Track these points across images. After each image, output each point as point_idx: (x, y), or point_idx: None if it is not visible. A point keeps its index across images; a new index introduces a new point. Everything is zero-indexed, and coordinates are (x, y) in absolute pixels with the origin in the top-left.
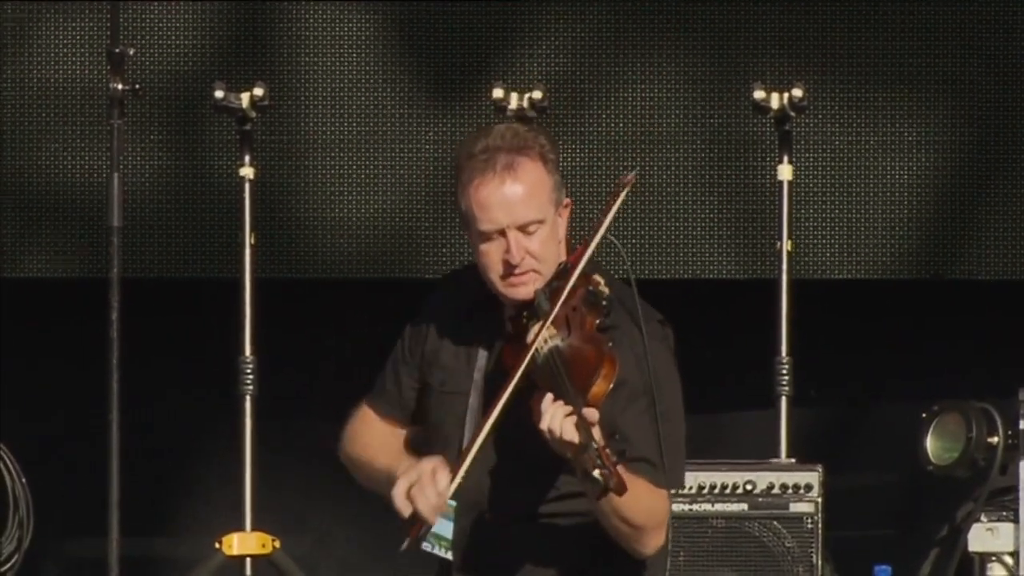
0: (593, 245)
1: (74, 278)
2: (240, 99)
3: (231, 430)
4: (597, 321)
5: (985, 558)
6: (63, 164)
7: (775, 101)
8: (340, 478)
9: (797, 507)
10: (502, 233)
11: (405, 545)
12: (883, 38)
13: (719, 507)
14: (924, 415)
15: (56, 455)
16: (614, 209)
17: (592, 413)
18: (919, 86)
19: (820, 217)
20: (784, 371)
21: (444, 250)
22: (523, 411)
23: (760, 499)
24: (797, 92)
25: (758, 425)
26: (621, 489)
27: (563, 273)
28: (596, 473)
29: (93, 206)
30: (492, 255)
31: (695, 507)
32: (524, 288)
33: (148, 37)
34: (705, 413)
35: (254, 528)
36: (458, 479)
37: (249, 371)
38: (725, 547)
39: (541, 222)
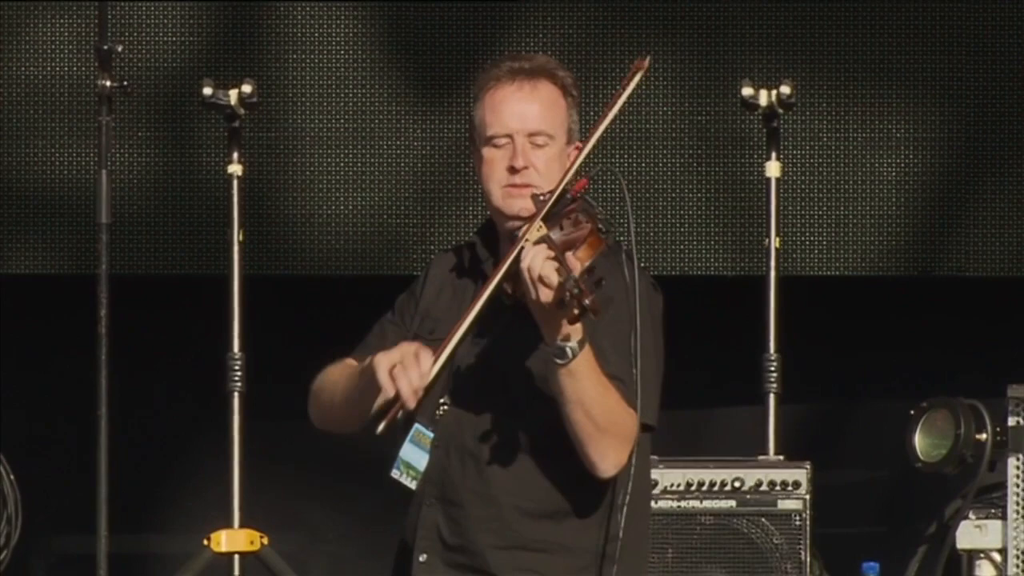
0: (600, 129)
1: (62, 275)
2: (228, 96)
3: (219, 427)
4: (595, 226)
5: (973, 555)
6: (51, 161)
7: (763, 98)
8: (329, 475)
9: (785, 504)
10: (511, 140)
11: (381, 427)
12: (871, 35)
13: (707, 504)
14: (912, 412)
15: (44, 452)
16: (626, 94)
17: (573, 261)
18: (907, 83)
19: (808, 214)
20: (772, 368)
21: (432, 246)
22: (504, 336)
23: (748, 496)
24: (785, 89)
25: (746, 422)
26: (596, 309)
27: (563, 200)
28: (570, 302)
29: (81, 203)
30: (496, 161)
31: (683, 504)
32: (522, 200)
33: (136, 34)
34: (693, 410)
35: (242, 525)
36: (439, 363)
37: (237, 368)
38: (713, 544)
39: (551, 137)
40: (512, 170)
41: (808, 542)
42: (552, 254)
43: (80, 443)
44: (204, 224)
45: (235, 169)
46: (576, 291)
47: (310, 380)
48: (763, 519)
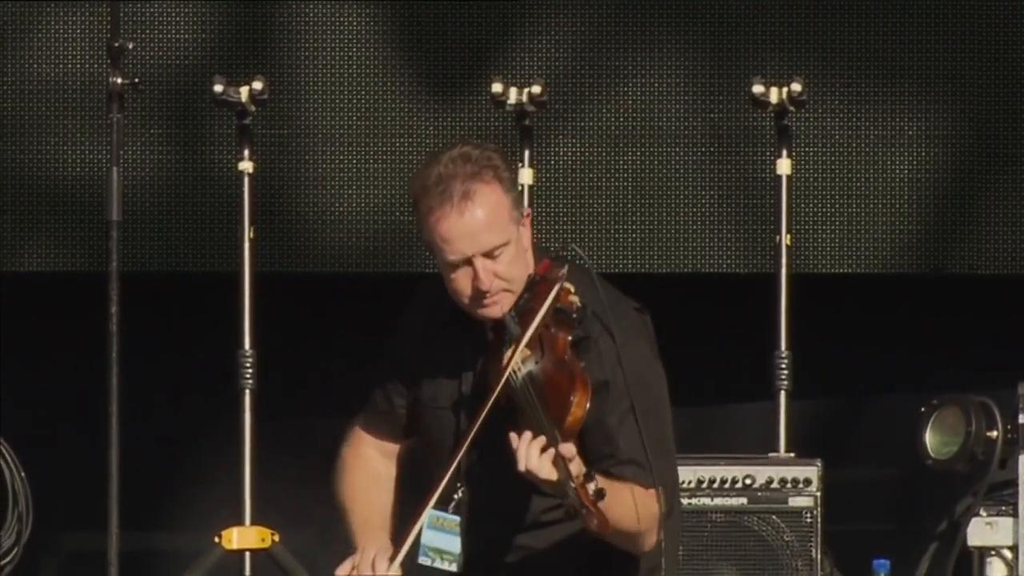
0: (529, 333)
1: (73, 272)
2: (239, 93)
3: (231, 424)
4: (569, 338)
5: (984, 552)
6: (62, 158)
7: (774, 95)
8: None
9: (796, 501)
10: (468, 262)
11: None
12: (883, 32)
13: (718, 501)
14: (923, 409)
15: (55, 449)
16: (547, 303)
17: (568, 449)
18: (919, 80)
19: (819, 211)
20: (783, 365)
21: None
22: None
23: (759, 493)
24: (796, 86)
25: (757, 419)
26: (603, 528)
27: (532, 286)
28: (572, 500)
29: (92, 200)
30: (461, 282)
31: (694, 501)
32: (497, 307)
33: (148, 31)
34: (704, 407)
35: (253, 522)
36: (398, 562)
37: (248, 365)
38: (724, 541)
39: (506, 244)
40: (479, 290)
41: (819, 539)
42: (544, 444)
43: (91, 440)
44: (215, 221)
45: (246, 166)
46: (580, 505)
47: (321, 377)
48: (774, 516)
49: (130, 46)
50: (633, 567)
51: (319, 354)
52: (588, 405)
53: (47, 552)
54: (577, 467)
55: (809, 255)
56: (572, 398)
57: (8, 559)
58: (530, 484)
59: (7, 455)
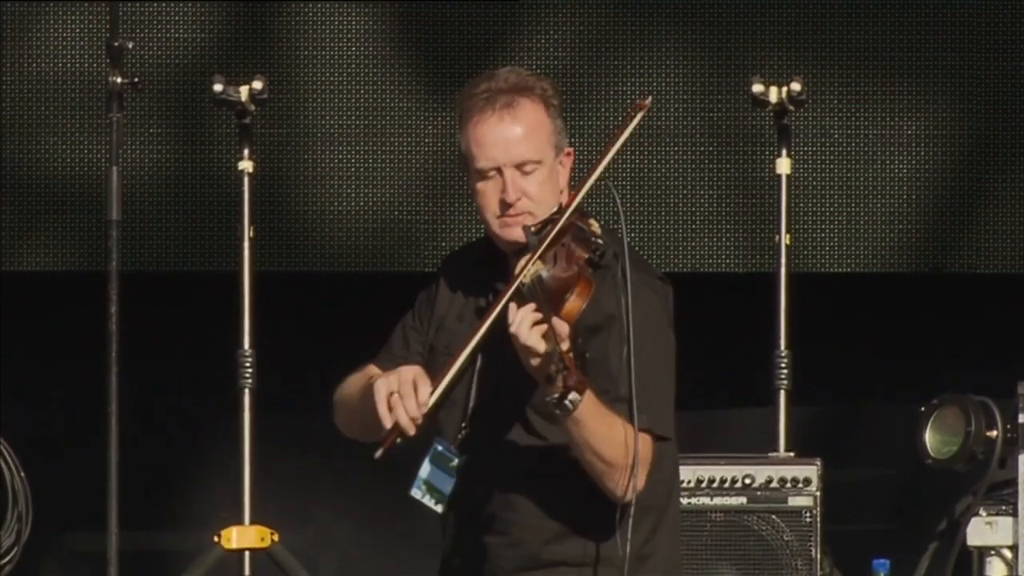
0: (593, 177)
1: (73, 271)
2: (239, 92)
3: (230, 423)
4: (586, 256)
5: (984, 552)
6: (62, 157)
7: (774, 95)
8: (341, 472)
9: (796, 501)
10: (499, 172)
11: (379, 453)
12: (882, 31)
13: (718, 501)
14: (923, 409)
15: (55, 449)
16: (624, 135)
17: (562, 325)
18: (918, 79)
19: (819, 211)
20: (783, 365)
21: (443, 243)
22: (517, 360)
23: (759, 493)
24: (796, 86)
25: (757, 419)
26: (581, 387)
27: (556, 214)
28: (557, 377)
29: (92, 199)
30: (488, 194)
31: (693, 501)
32: (517, 229)
33: (147, 30)
34: (704, 407)
35: (253, 522)
36: (438, 393)
37: (248, 364)
38: (724, 541)
39: (539, 163)
40: (504, 203)
41: (818, 539)
42: (539, 317)
43: (90, 440)
44: (215, 220)
45: (246, 165)
46: (562, 368)
47: (320, 376)
48: (774, 516)
49: (130, 45)
50: (618, 513)
51: (319, 353)
52: (587, 303)
53: (47, 552)
54: (567, 344)
55: (809, 254)
56: (574, 288)
57: (8, 559)
58: (525, 428)
59: (7, 455)
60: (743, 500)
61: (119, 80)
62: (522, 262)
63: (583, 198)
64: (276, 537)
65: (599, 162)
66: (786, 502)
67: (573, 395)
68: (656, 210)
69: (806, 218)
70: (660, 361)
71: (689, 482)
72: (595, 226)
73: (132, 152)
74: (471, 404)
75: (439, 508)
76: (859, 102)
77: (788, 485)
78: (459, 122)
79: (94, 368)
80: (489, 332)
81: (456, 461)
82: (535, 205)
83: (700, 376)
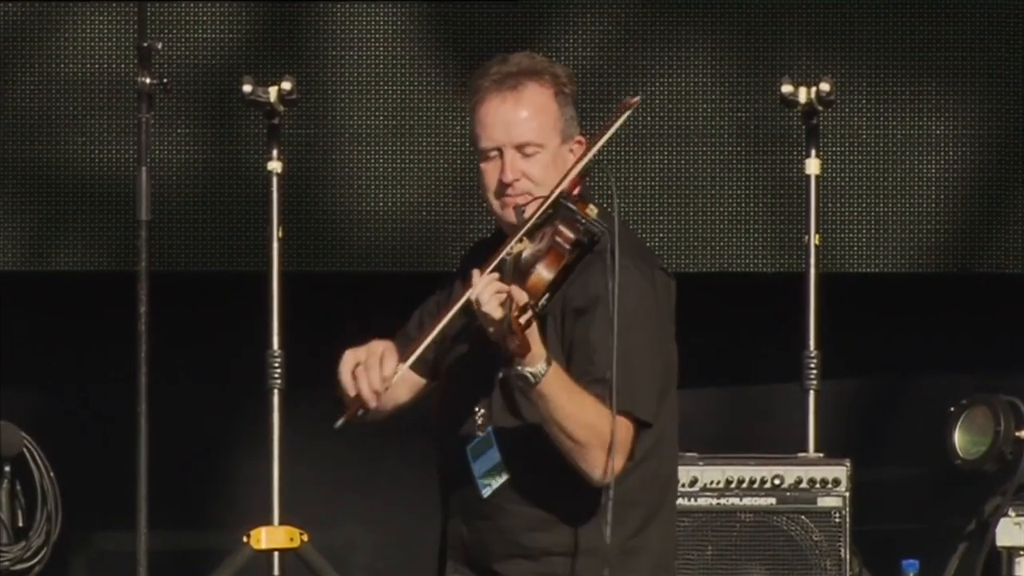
0: (584, 160)
1: (102, 271)
2: (268, 93)
3: (259, 424)
4: (574, 237)
5: (1013, 552)
6: (91, 158)
7: (803, 95)
8: (369, 472)
9: (825, 501)
10: (500, 153)
11: (340, 423)
12: (911, 31)
13: (747, 501)
14: (952, 409)
15: (84, 449)
16: (612, 130)
17: (519, 293)
18: (947, 80)
19: (848, 211)
20: (812, 365)
21: (470, 242)
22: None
23: (788, 493)
24: (825, 86)
25: (786, 419)
26: (522, 350)
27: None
28: (503, 343)
29: (121, 200)
30: (489, 174)
31: (723, 501)
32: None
33: (176, 31)
34: (733, 407)
35: (282, 522)
36: (407, 365)
37: (277, 365)
38: (753, 541)
39: (540, 146)
40: (503, 184)
41: (847, 539)
42: (501, 287)
43: (120, 440)
44: (243, 221)
45: (274, 166)
46: (507, 329)
47: None
48: (803, 516)
49: (159, 46)
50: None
51: None
52: (554, 274)
53: (76, 552)
54: (525, 315)
55: (837, 255)
56: (542, 260)
57: (37, 559)
58: (513, 408)
59: (36, 455)
60: (772, 501)
61: (148, 81)
62: (508, 238)
63: (582, 185)
64: (305, 537)
65: (584, 155)
66: (815, 503)
67: (535, 368)
68: (685, 210)
69: (835, 218)
70: (646, 348)
71: (718, 483)
72: (592, 211)
73: (161, 153)
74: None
75: (506, 476)
76: (888, 102)
77: (817, 486)
78: (469, 103)
79: (123, 368)
80: (464, 309)
81: (486, 435)
82: (535, 187)
83: (729, 376)
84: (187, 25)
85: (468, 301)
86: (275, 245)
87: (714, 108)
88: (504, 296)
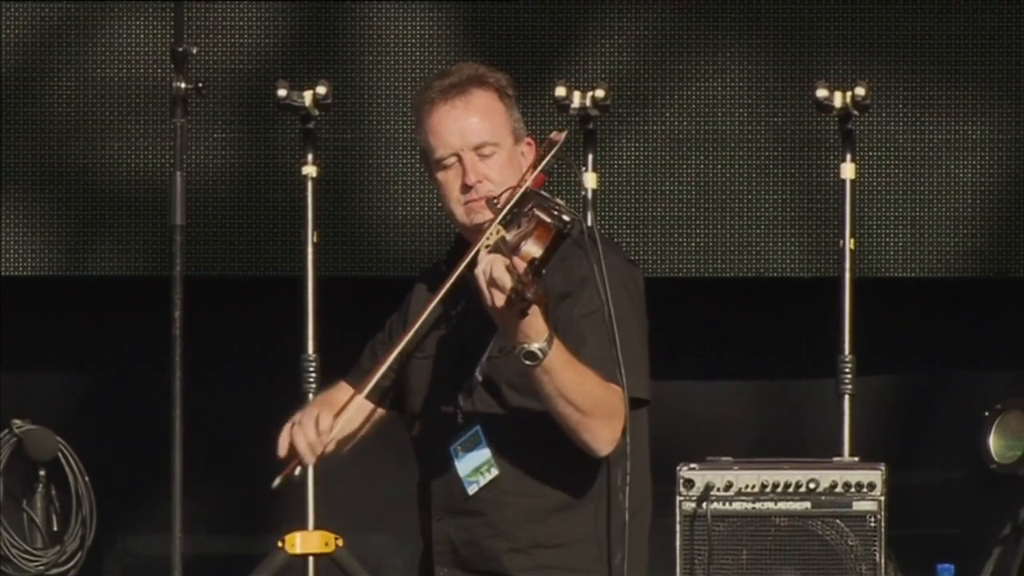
0: (515, 197)
1: (137, 276)
2: (303, 97)
3: None
4: (549, 221)
5: None
6: (126, 162)
7: (838, 99)
8: (404, 477)
9: (860, 505)
10: (458, 158)
11: (277, 482)
12: (947, 36)
13: (782, 506)
14: (987, 413)
15: (119, 453)
16: (540, 167)
17: (520, 263)
18: (983, 84)
19: (883, 215)
20: (847, 369)
21: None
22: (480, 340)
23: (823, 498)
24: (860, 90)
25: (821, 423)
26: (540, 300)
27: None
28: (516, 297)
29: (156, 204)
30: (450, 182)
31: (758, 506)
32: (483, 211)
33: (211, 36)
34: (768, 411)
35: (317, 527)
36: (367, 390)
37: (312, 369)
38: (788, 546)
39: (496, 145)
40: (466, 187)
41: (883, 543)
42: (504, 259)
43: (155, 444)
44: (278, 225)
45: (310, 170)
46: (519, 286)
47: None
48: (838, 520)
49: (194, 50)
50: (598, 481)
51: None
52: (544, 246)
53: (111, 557)
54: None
55: (873, 259)
56: (532, 234)
57: (72, 563)
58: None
59: (71, 459)
60: (807, 505)
61: (183, 85)
62: (485, 227)
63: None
64: (340, 542)
65: (518, 188)
66: (850, 507)
67: (541, 343)
68: (721, 214)
69: (870, 223)
70: (635, 328)
71: (753, 487)
72: (561, 204)
73: (196, 157)
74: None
75: (495, 471)
76: (923, 106)
77: (852, 490)
78: (416, 122)
79: (158, 373)
80: (447, 296)
81: (474, 431)
82: (496, 188)
83: (764, 380)
84: (222, 29)
85: (430, 314)
86: (310, 249)
87: (750, 112)
88: (508, 263)
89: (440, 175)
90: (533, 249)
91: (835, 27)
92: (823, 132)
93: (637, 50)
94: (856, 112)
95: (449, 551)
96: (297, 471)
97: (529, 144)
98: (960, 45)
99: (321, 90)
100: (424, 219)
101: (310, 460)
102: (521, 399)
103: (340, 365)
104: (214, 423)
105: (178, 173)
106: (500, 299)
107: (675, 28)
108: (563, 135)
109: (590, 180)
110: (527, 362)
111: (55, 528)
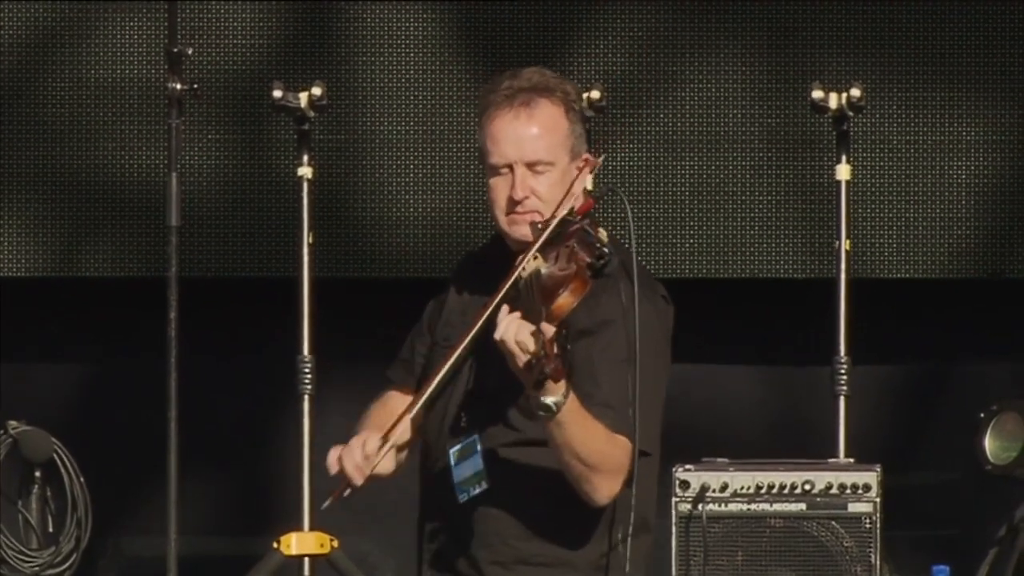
0: (577, 184)
1: (132, 277)
2: (298, 98)
3: (289, 429)
4: (588, 260)
5: None
6: (121, 163)
7: (833, 101)
8: (401, 479)
9: (855, 507)
10: (510, 169)
11: (327, 503)
12: (942, 37)
13: (777, 507)
14: (982, 414)
15: (115, 454)
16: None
17: (548, 329)
18: (978, 85)
19: (878, 216)
20: (842, 371)
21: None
22: (499, 360)
23: (818, 499)
24: (855, 92)
25: (816, 425)
26: (557, 375)
27: (567, 216)
28: (536, 368)
29: (151, 206)
30: (499, 190)
31: (753, 507)
32: (524, 227)
33: (206, 36)
34: (763, 412)
35: (312, 528)
36: (415, 411)
37: (307, 370)
38: (783, 547)
39: (551, 164)
40: (512, 200)
41: (878, 545)
42: (524, 323)
43: (149, 445)
44: (274, 227)
45: (305, 172)
46: (542, 355)
47: (380, 383)
48: (833, 522)
49: (189, 51)
50: (596, 513)
51: (378, 359)
52: (578, 301)
53: (106, 557)
54: (552, 341)
55: (868, 260)
56: (568, 285)
57: (67, 564)
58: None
59: (67, 460)
60: (802, 506)
61: (178, 86)
62: (522, 256)
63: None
64: (336, 543)
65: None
66: (846, 508)
67: (557, 397)
68: (715, 216)
69: (865, 224)
70: (651, 379)
71: (748, 488)
72: (603, 235)
73: (191, 158)
74: (470, 391)
75: (484, 485)
76: (918, 108)
77: (847, 491)
78: (479, 116)
79: (154, 373)
80: (484, 328)
81: (471, 440)
82: (543, 205)
83: (759, 382)
84: (217, 30)
85: (488, 322)
86: (305, 251)
87: (745, 114)
88: (533, 328)
89: (491, 180)
90: (565, 303)
91: (830, 28)
92: (818, 133)
93: (632, 51)
94: (851, 113)
95: (439, 553)
96: (346, 492)
97: (586, 160)
98: (955, 47)
99: (316, 91)
100: (420, 220)
101: (358, 482)
102: (523, 420)
103: (336, 366)
104: (210, 424)
105: (173, 174)
106: (521, 360)
107: (670, 29)
108: (600, 159)
109: (587, 181)
110: (541, 413)
111: (50, 529)
